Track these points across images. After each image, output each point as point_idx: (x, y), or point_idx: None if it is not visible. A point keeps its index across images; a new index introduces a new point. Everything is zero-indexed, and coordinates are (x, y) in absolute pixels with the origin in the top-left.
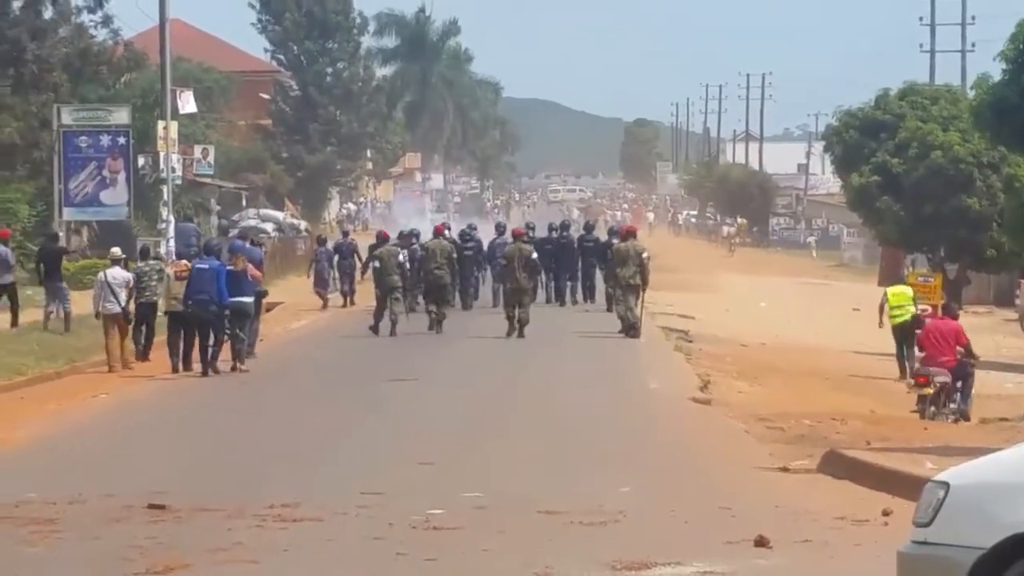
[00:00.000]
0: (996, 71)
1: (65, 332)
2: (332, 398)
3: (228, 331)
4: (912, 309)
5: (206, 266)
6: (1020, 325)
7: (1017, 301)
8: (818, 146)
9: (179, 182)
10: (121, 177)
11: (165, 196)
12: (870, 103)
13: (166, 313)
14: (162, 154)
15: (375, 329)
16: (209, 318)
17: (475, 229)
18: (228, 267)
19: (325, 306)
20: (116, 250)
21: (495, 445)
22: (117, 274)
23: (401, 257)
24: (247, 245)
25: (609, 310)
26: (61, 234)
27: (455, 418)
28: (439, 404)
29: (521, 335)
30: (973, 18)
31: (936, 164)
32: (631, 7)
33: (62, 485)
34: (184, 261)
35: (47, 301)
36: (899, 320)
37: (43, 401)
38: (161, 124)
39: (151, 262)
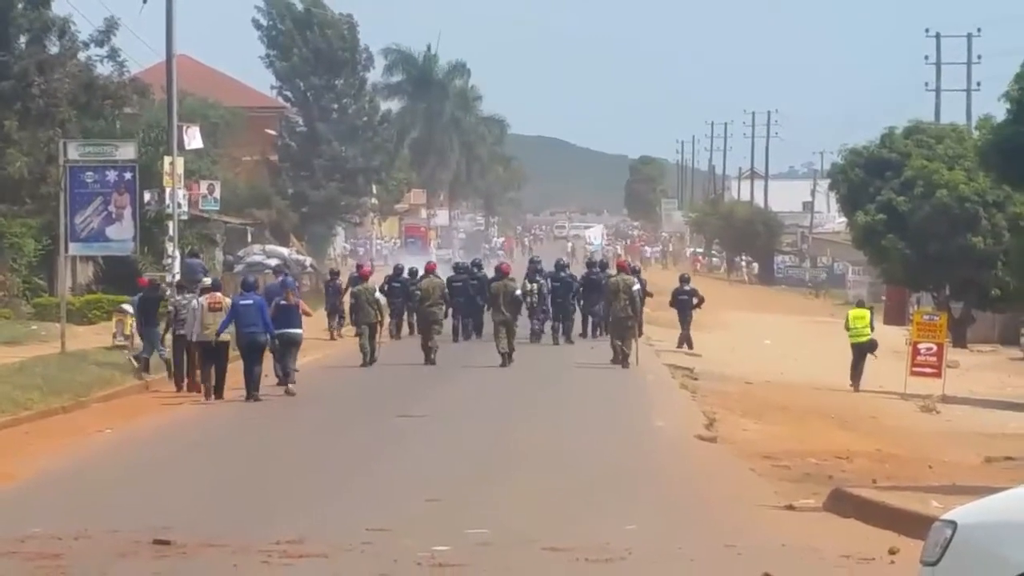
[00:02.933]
0: (1000, 111)
1: (143, 376)
2: (341, 434)
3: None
4: (869, 332)
5: (250, 301)
6: None
7: (1023, 339)
8: (823, 184)
9: (185, 217)
10: (127, 212)
11: (171, 231)
12: (875, 142)
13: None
14: (168, 189)
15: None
16: (260, 348)
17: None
18: (283, 302)
19: (332, 338)
20: (206, 280)
21: (501, 482)
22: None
23: (377, 295)
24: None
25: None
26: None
27: (462, 455)
28: (446, 441)
29: (510, 361)
30: (979, 57)
31: (941, 203)
32: (635, 46)
33: (68, 520)
34: (219, 293)
35: (144, 347)
36: (857, 340)
37: (49, 436)
38: (167, 160)
39: (189, 295)
